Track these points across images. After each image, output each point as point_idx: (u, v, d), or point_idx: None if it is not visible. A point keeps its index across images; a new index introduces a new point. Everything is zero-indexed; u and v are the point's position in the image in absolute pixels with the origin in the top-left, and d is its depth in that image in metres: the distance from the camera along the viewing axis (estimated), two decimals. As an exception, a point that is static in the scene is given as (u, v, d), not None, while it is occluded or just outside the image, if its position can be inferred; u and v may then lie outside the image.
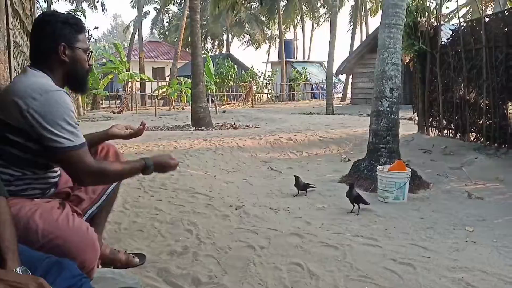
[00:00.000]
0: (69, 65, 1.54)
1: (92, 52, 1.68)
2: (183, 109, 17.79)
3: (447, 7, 17.88)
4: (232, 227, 3.04)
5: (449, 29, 7.62)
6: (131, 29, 29.79)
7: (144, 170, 1.64)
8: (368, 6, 30.95)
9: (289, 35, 34.93)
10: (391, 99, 4.97)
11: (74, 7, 22.98)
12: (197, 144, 6.91)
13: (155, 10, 36.35)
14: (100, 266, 1.96)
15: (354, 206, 3.70)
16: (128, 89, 18.24)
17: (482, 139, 6.36)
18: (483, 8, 10.89)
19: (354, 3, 29.68)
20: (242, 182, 4.88)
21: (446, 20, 17.61)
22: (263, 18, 32.58)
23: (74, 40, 1.55)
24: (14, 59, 2.93)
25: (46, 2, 19.49)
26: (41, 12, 2.37)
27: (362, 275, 2.20)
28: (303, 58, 34.75)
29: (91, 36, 17.05)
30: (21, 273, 1.02)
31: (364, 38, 26.36)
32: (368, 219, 3.52)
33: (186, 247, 2.62)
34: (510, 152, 5.82)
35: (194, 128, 10.24)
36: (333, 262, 2.39)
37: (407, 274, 2.22)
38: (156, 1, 34.61)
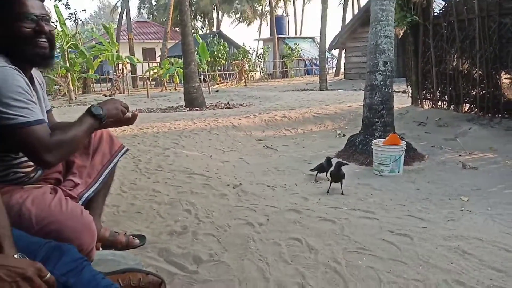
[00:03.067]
0: (8, 39, 1.40)
1: (45, 16, 1.45)
2: (176, 90, 17.65)
3: (439, -23, 17.64)
4: (230, 206, 3.06)
5: (442, -1, 7.52)
6: (119, 9, 29.11)
7: (95, 117, 1.48)
8: (360, -22, 30.39)
9: (280, 11, 34.38)
10: (384, 73, 4.94)
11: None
12: (192, 125, 6.89)
13: (142, -11, 35.45)
14: (100, 249, 1.97)
15: (330, 185, 3.56)
16: (119, 72, 18.01)
17: (476, 109, 6.38)
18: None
19: (345, -25, 29.12)
20: (238, 161, 4.89)
21: (438, -10, 17.38)
22: (252, -6, 31.97)
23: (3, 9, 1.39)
24: None
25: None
26: None
27: (360, 247, 2.24)
28: (295, 34, 34.30)
29: (78, 18, 16.63)
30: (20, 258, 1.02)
31: (356, 11, 26.02)
32: (365, 192, 3.56)
33: (186, 226, 2.64)
34: (503, 122, 5.86)
35: (187, 108, 10.18)
36: (331, 235, 2.42)
37: (404, 245, 2.26)
38: (143, -20, 33.73)
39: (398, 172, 4.18)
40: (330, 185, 3.59)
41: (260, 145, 5.97)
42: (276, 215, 2.80)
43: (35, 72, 1.60)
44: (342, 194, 3.48)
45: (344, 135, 6.26)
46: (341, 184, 3.58)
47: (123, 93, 17.03)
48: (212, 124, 6.92)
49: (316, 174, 4.04)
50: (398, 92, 10.54)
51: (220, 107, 10.57)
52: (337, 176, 3.55)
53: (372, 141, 4.46)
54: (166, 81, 18.57)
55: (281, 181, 3.94)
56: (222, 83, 20.54)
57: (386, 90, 4.97)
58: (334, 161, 3.81)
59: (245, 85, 19.87)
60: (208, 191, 3.45)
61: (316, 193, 3.58)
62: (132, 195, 3.38)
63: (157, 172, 4.14)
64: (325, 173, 3.98)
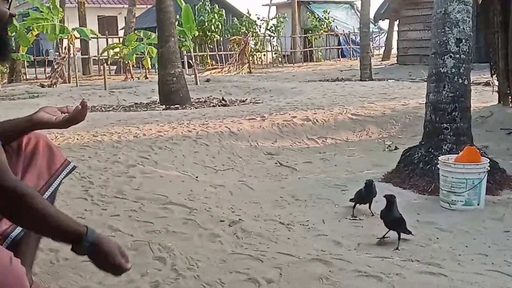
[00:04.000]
0: None
1: None
2: (146, 78, 17.78)
3: None
4: (225, 253, 3.05)
5: None
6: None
7: (75, 241, 1.53)
8: None
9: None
10: (457, 56, 4.94)
11: None
12: (169, 131, 6.91)
13: None
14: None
15: (387, 233, 3.47)
16: (64, 51, 18.17)
17: None
18: None
19: None
20: (238, 185, 4.89)
21: None
22: None
23: None
24: None
25: None
26: None
27: (419, 318, 2.23)
28: (325, -4, 34.53)
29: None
30: None
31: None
32: (427, 235, 3.54)
33: (158, 284, 2.64)
34: None
35: (163, 106, 10.26)
36: (376, 300, 2.41)
37: (487, 316, 2.24)
38: None
39: (478, 204, 4.15)
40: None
41: (271, 161, 5.96)
42: (293, 268, 2.79)
43: None
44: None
45: (396, 149, 6.23)
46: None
47: (68, 82, 17.18)
48: (200, 130, 6.94)
49: (354, 207, 4.04)
50: (479, 84, 10.49)
51: (212, 104, 10.62)
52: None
53: (439, 158, 4.44)
54: (133, 66, 18.71)
55: (301, 217, 3.92)
56: (215, 68, 20.66)
57: (460, 81, 4.96)
58: (382, 192, 3.82)
59: (250, 72, 19.97)
60: (192, 231, 3.44)
61: (353, 234, 3.55)
62: (79, 234, 3.38)
63: (117, 201, 4.13)
64: (367, 204, 3.98)
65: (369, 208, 3.97)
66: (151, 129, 7.02)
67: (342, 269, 2.78)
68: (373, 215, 3.88)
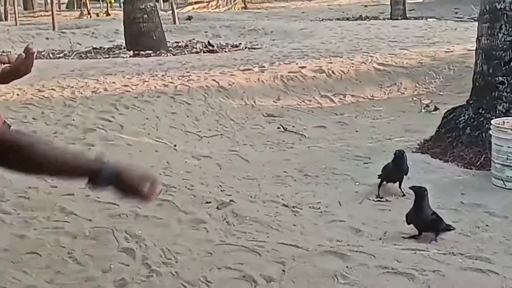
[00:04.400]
0: None
1: None
2: (108, 15, 17.63)
3: None
4: (212, 243, 3.06)
5: None
6: None
7: (94, 172, 1.65)
8: None
9: None
10: (519, -14, 4.90)
11: None
12: (139, 85, 6.86)
13: None
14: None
15: (421, 234, 3.47)
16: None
17: None
18: None
19: None
20: (229, 156, 4.89)
21: None
22: None
23: None
24: None
25: None
26: None
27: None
28: None
29: None
30: None
31: None
32: (473, 221, 3.55)
33: (124, 282, 2.65)
34: None
35: (131, 52, 10.21)
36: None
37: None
38: None
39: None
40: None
41: (272, 126, 5.95)
42: (299, 262, 2.80)
43: None
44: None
45: (436, 109, 6.22)
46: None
47: (5, 20, 16.99)
48: (179, 84, 6.89)
49: (380, 186, 4.06)
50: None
51: (194, 50, 10.53)
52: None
53: (492, 122, 4.45)
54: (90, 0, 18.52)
55: (310, 197, 3.93)
56: (199, 3, 20.45)
57: (522, 20, 4.93)
58: (417, 166, 3.86)
59: (245, 8, 19.78)
60: (169, 215, 3.45)
61: (378, 220, 3.57)
62: (21, 219, 3.39)
63: (71, 176, 4.15)
64: (397, 183, 4.00)
65: (399, 187, 3.98)
66: (114, 83, 6.96)
67: (363, 264, 2.79)
68: (404, 195, 3.89)
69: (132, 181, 1.68)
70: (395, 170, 3.99)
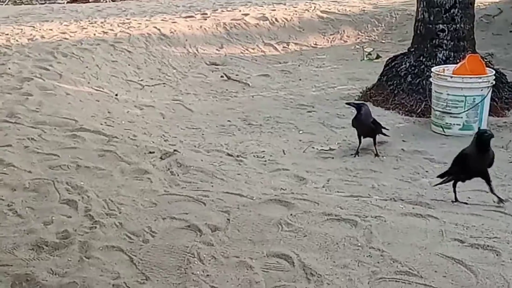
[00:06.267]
0: None
1: None
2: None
3: None
4: (156, 193, 3.07)
5: None
6: None
7: None
8: None
9: None
10: None
11: None
12: (77, 32, 6.75)
13: None
14: None
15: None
16: None
17: None
18: None
19: None
20: (172, 105, 4.88)
21: None
22: None
23: None
24: None
25: None
26: None
27: (402, 271, 2.31)
28: None
29: None
30: None
31: None
32: (414, 167, 3.64)
33: (67, 234, 2.64)
34: None
35: (68, -2, 9.98)
36: (348, 250, 2.47)
37: (485, 266, 2.34)
38: None
39: (479, 127, 4.24)
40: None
41: (216, 74, 5.94)
42: (244, 211, 2.83)
43: None
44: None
45: (378, 57, 6.30)
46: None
47: None
48: (119, 31, 6.80)
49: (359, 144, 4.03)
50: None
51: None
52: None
53: (432, 69, 4.50)
54: None
55: (255, 146, 3.97)
56: None
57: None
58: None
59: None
60: (111, 165, 3.44)
61: (322, 168, 3.62)
62: (-42, 172, 3.32)
63: (7, 126, 4.08)
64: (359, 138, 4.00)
65: (360, 141, 3.99)
66: (51, 30, 6.82)
67: (307, 211, 2.83)
68: (357, 154, 3.97)
69: None
70: (355, 120, 4.01)
